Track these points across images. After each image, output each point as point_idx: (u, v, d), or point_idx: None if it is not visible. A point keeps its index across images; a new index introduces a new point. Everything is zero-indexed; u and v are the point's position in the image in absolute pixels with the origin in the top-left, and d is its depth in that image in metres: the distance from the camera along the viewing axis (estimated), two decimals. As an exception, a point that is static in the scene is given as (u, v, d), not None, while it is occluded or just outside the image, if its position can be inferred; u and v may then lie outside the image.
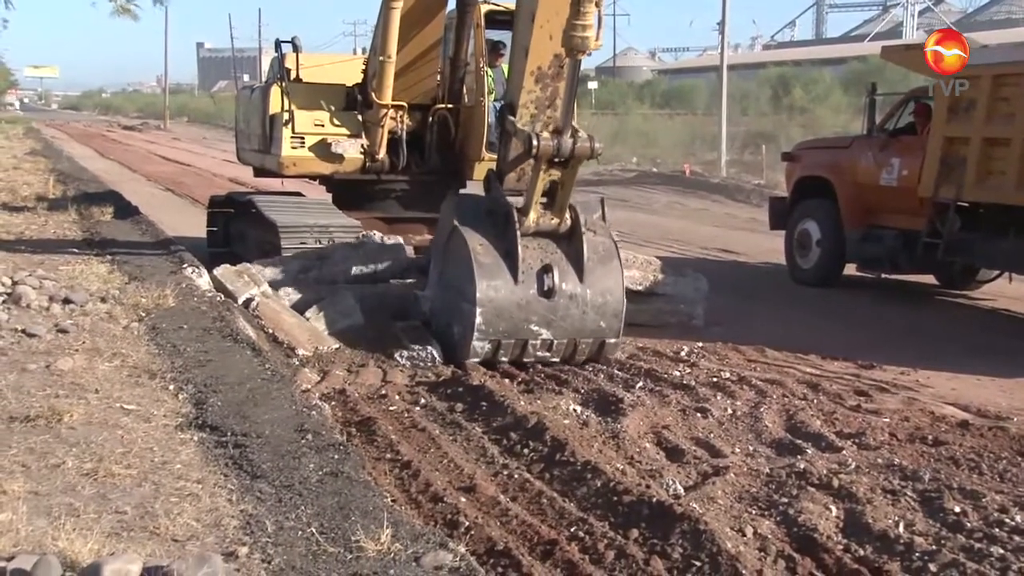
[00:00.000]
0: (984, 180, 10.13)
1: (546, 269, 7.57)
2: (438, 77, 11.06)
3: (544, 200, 7.64)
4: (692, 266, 11.01)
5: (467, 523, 4.63)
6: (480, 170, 10.08)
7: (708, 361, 8.14)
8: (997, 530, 4.73)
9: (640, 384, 7.16)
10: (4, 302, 7.70)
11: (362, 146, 10.93)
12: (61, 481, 4.43)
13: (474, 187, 10.20)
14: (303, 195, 11.93)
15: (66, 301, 7.80)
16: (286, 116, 10.80)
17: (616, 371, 7.56)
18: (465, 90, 11.04)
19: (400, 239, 10.18)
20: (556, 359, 7.75)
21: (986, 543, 4.58)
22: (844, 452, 5.86)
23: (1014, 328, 10.55)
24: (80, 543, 3.61)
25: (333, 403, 6.59)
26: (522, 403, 6.56)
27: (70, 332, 7.00)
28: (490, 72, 10.72)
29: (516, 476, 5.35)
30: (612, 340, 7.79)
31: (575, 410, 6.53)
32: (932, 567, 4.32)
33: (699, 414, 6.52)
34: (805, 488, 5.19)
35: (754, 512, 4.97)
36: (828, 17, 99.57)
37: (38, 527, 3.85)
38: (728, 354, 8.50)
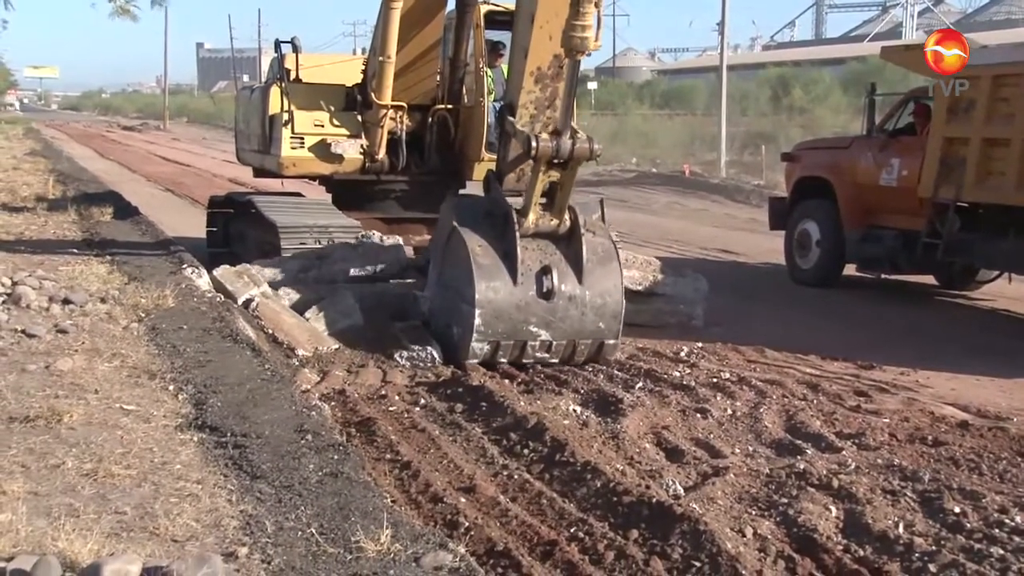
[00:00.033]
0: (984, 180, 10.13)
1: (545, 270, 7.57)
2: (438, 77, 11.06)
3: (543, 201, 7.64)
4: (692, 266, 11.02)
5: (467, 523, 4.63)
6: (480, 170, 10.08)
7: (708, 362, 8.14)
8: (997, 531, 4.73)
9: (640, 384, 7.16)
10: (4, 302, 7.70)
11: (362, 146, 10.92)
12: (61, 481, 4.43)
13: (474, 187, 10.21)
14: (303, 195, 11.93)
15: (66, 301, 7.80)
16: (286, 116, 10.79)
17: (616, 371, 7.56)
18: (465, 90, 11.04)
19: (399, 239, 10.18)
20: (555, 360, 7.75)
21: (986, 544, 4.58)
22: (844, 452, 5.86)
23: (1014, 328, 10.56)
24: (80, 543, 3.61)
25: (333, 403, 6.59)
26: (522, 403, 6.56)
27: (70, 332, 7.00)
28: (490, 72, 10.72)
29: (516, 476, 5.35)
30: (611, 341, 7.79)
31: (575, 410, 6.53)
32: (932, 567, 4.32)
33: (699, 414, 6.52)
34: (805, 488, 5.19)
35: (754, 512, 4.97)
36: (828, 17, 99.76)
37: (38, 527, 3.85)
38: (728, 354, 8.50)
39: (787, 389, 7.24)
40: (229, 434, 5.10)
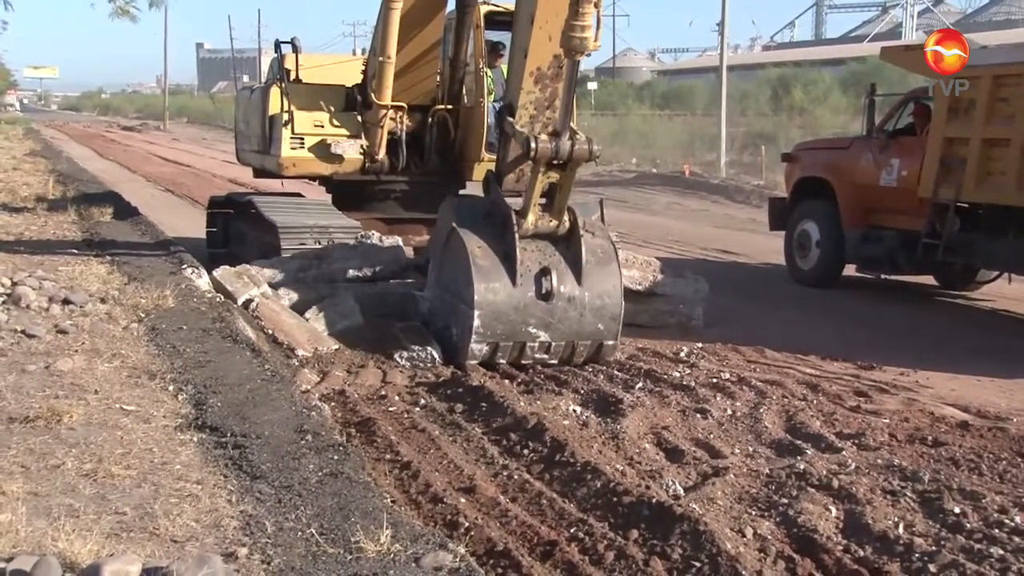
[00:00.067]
0: (983, 181, 10.13)
1: (544, 272, 7.57)
2: (438, 78, 11.06)
3: (543, 202, 7.64)
4: (692, 267, 11.02)
5: (467, 524, 4.63)
6: (479, 171, 10.08)
7: (708, 362, 8.14)
8: (997, 531, 4.73)
9: (640, 385, 7.16)
10: (4, 303, 7.70)
11: (361, 147, 10.92)
12: (61, 482, 4.42)
13: (473, 188, 10.21)
14: (303, 196, 11.93)
15: (65, 302, 7.79)
16: (286, 117, 10.79)
17: (616, 372, 7.56)
18: (464, 91, 11.04)
19: (399, 240, 10.18)
20: (554, 361, 7.75)
21: (986, 544, 4.58)
22: (844, 453, 5.86)
23: (1014, 329, 10.56)
24: (80, 544, 3.60)
25: (333, 404, 6.59)
26: (522, 404, 6.56)
27: (69, 333, 6.99)
28: (489, 73, 10.72)
29: (516, 477, 5.34)
30: (610, 342, 7.79)
31: (575, 411, 6.53)
32: (932, 568, 4.32)
33: (699, 415, 6.52)
34: (805, 489, 5.19)
35: (754, 513, 4.96)
36: (827, 18, 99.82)
37: (38, 528, 3.85)
38: (728, 355, 8.50)
39: (787, 389, 7.24)
40: (229, 434, 5.10)
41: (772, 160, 23.86)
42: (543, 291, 7.54)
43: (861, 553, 4.50)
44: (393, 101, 10.61)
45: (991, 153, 10.09)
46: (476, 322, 7.48)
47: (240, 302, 8.48)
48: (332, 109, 10.99)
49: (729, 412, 6.64)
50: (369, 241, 9.89)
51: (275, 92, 11.10)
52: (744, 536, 4.65)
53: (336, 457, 4.81)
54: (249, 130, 12.26)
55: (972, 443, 6.12)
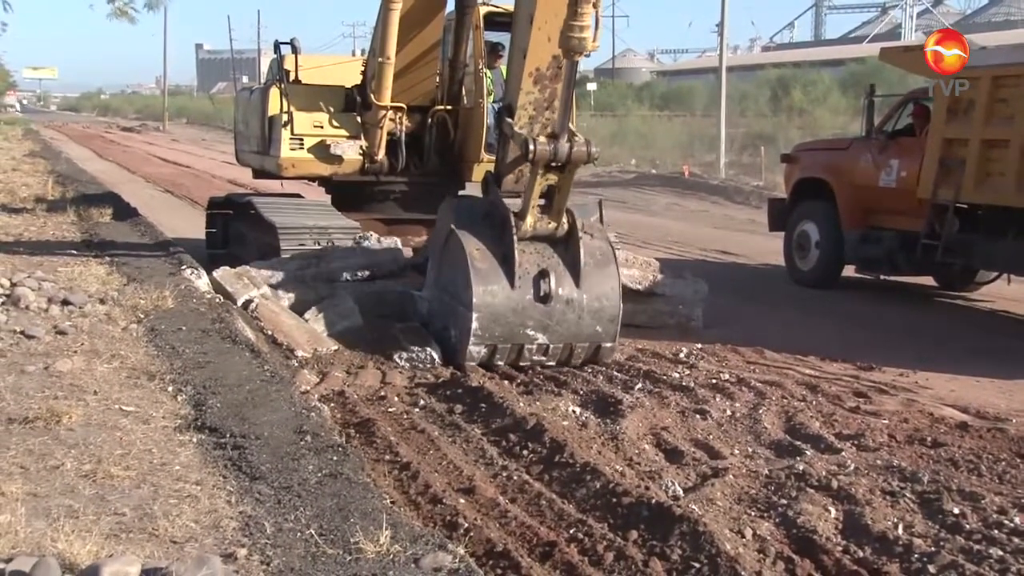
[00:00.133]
0: (983, 181, 10.13)
1: (543, 274, 7.57)
2: (437, 79, 11.06)
3: (541, 203, 7.64)
4: (691, 268, 11.02)
5: (466, 524, 4.63)
6: (479, 172, 10.08)
7: (707, 363, 8.14)
8: (996, 532, 4.73)
9: (639, 386, 7.16)
10: (3, 303, 7.70)
11: (361, 147, 10.93)
12: (60, 483, 4.42)
13: (473, 189, 10.21)
14: (302, 196, 11.94)
15: (65, 303, 7.79)
16: (285, 117, 10.79)
17: (615, 372, 7.56)
18: (464, 92, 11.04)
19: (397, 240, 10.18)
20: (552, 363, 7.76)
21: (985, 545, 4.58)
22: (843, 453, 5.86)
23: (1013, 329, 10.56)
24: (79, 545, 3.60)
25: (332, 404, 6.59)
26: (521, 404, 6.56)
27: (69, 334, 6.99)
28: (489, 74, 10.72)
29: (515, 477, 5.34)
30: (608, 344, 7.79)
31: (574, 411, 6.53)
32: (931, 568, 4.32)
33: (698, 415, 6.52)
34: (804, 489, 5.19)
35: (753, 513, 4.96)
36: (827, 19, 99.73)
37: (37, 529, 3.84)
38: (727, 356, 8.51)
39: (786, 390, 7.25)
40: (228, 435, 5.10)
41: (771, 161, 23.87)
42: (541, 293, 7.54)
43: (860, 554, 4.50)
44: (392, 102, 10.62)
45: (990, 154, 10.09)
46: (474, 324, 7.48)
47: (240, 303, 8.48)
48: (331, 110, 11.00)
49: (728, 413, 6.64)
50: (367, 242, 9.89)
51: (274, 93, 11.10)
52: (743, 537, 4.65)
53: (335, 458, 4.81)
54: (248, 131, 12.27)
55: (971, 444, 6.12)
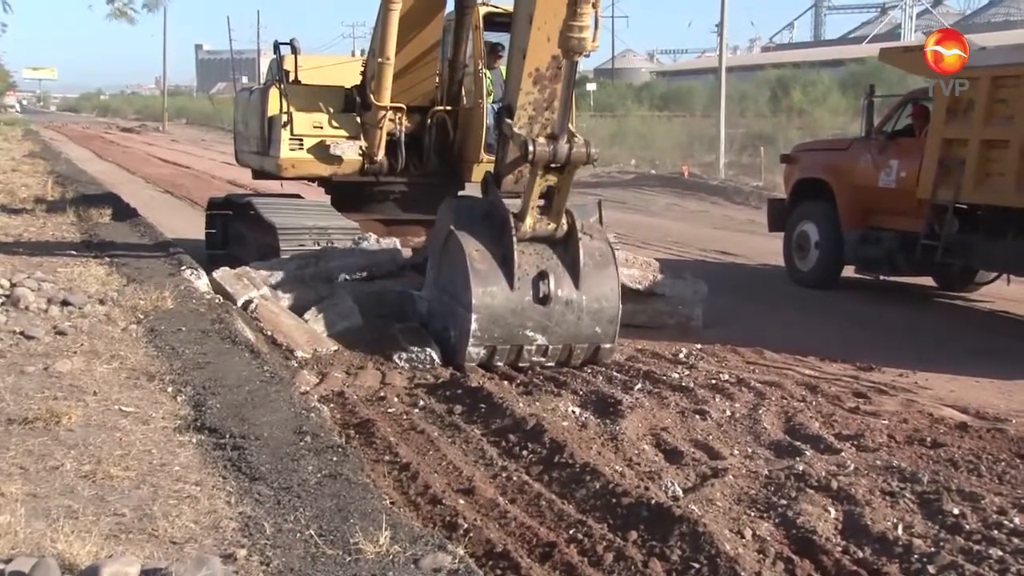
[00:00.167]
0: (982, 182, 10.13)
1: (542, 275, 7.57)
2: (437, 79, 11.06)
3: (541, 203, 7.64)
4: (691, 268, 11.03)
5: (466, 525, 4.63)
6: (478, 172, 10.09)
7: (707, 363, 8.14)
8: (996, 532, 4.73)
9: (639, 386, 7.15)
10: (3, 304, 7.69)
11: (360, 148, 10.93)
12: (59, 483, 4.42)
13: (472, 189, 10.21)
14: (302, 197, 11.94)
15: (64, 303, 7.79)
16: (285, 118, 10.80)
17: (615, 373, 7.56)
18: (464, 92, 11.05)
19: (396, 241, 10.19)
20: (551, 364, 7.76)
21: (985, 545, 4.58)
22: (843, 454, 5.86)
23: (1012, 330, 10.56)
24: (78, 545, 3.60)
25: (332, 405, 6.59)
26: (521, 405, 6.56)
27: (68, 334, 6.99)
28: (488, 74, 10.73)
29: (515, 478, 5.34)
30: (607, 345, 7.80)
31: (574, 412, 6.53)
32: (931, 569, 4.32)
33: (698, 416, 6.52)
34: (804, 490, 5.19)
35: (753, 514, 4.97)
36: (826, 19, 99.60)
37: (36, 529, 3.84)
38: (727, 356, 8.51)
39: (786, 390, 7.25)
40: (228, 436, 5.09)
41: (771, 161, 23.88)
42: (540, 295, 7.54)
43: (860, 554, 4.50)
44: (392, 102, 10.62)
45: (990, 154, 10.10)
46: (474, 326, 7.48)
47: (239, 303, 8.48)
48: (331, 110, 11.00)
49: (728, 413, 6.64)
50: (366, 243, 9.89)
51: (274, 93, 11.11)
52: (743, 537, 4.65)
53: (335, 458, 4.80)
54: (248, 131, 12.27)
55: (971, 444, 6.12)
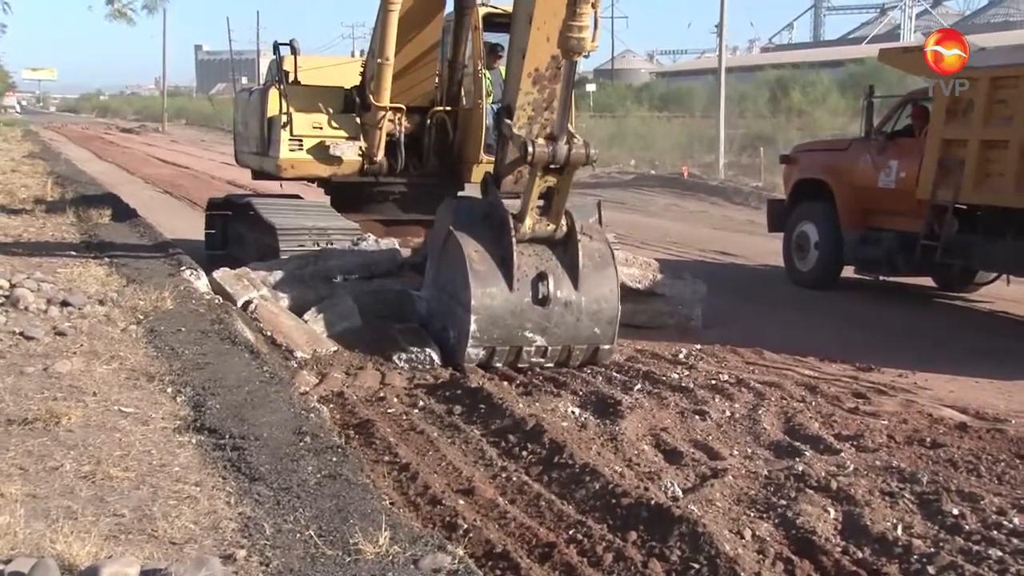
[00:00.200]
0: (982, 182, 10.13)
1: (541, 277, 7.57)
2: (436, 79, 11.07)
3: (540, 205, 7.64)
4: (690, 269, 11.02)
5: (466, 525, 4.63)
6: (478, 172, 10.10)
7: (706, 363, 8.14)
8: (995, 532, 4.73)
9: (638, 386, 7.16)
10: (2, 304, 7.69)
11: (360, 148, 10.93)
12: (59, 484, 4.42)
13: (472, 190, 10.21)
14: (301, 197, 11.94)
15: (64, 304, 7.79)
16: (284, 118, 10.80)
17: (614, 373, 7.56)
18: (463, 92, 11.05)
19: (395, 242, 10.19)
20: (550, 365, 7.76)
21: (984, 545, 4.58)
22: (842, 454, 5.86)
23: (1012, 330, 10.56)
24: (78, 546, 3.60)
25: (331, 405, 6.59)
26: (520, 405, 6.56)
27: (68, 335, 6.99)
28: (488, 74, 10.73)
29: (515, 478, 5.34)
30: (606, 346, 7.80)
31: (573, 412, 6.54)
32: (930, 569, 4.32)
33: (697, 416, 6.52)
34: (803, 490, 5.19)
35: (752, 514, 4.97)
36: (826, 19, 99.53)
37: (36, 530, 3.84)
38: (726, 356, 8.51)
39: (785, 391, 7.25)
40: (227, 436, 5.09)
41: (771, 162, 23.88)
42: (540, 296, 7.55)
43: (860, 555, 4.50)
44: (392, 103, 10.63)
45: (989, 155, 10.10)
46: (473, 327, 7.48)
47: (239, 304, 8.48)
48: (331, 111, 11.01)
49: (728, 414, 6.64)
50: (364, 244, 9.89)
51: (274, 94, 11.11)
52: (743, 538, 4.65)
53: (335, 459, 4.80)
54: (248, 132, 12.27)
55: (970, 444, 6.12)
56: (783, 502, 5.07)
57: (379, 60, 10.30)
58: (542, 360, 7.73)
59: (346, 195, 11.32)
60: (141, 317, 7.56)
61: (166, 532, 3.93)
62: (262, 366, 6.56)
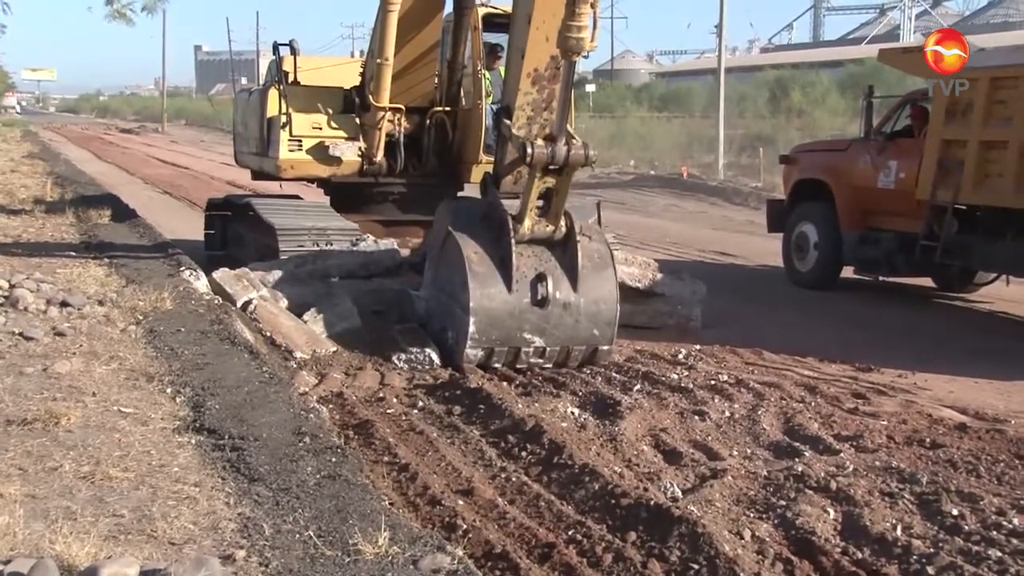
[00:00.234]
0: (981, 183, 10.13)
1: (540, 278, 7.57)
2: (435, 80, 11.07)
3: (539, 205, 7.64)
4: (689, 269, 11.02)
5: (465, 526, 4.63)
6: (477, 173, 10.09)
7: (706, 364, 8.14)
8: (995, 533, 4.73)
9: (638, 387, 7.15)
10: (1, 305, 7.69)
11: (359, 149, 10.93)
12: (58, 484, 4.42)
13: (471, 190, 10.21)
14: (301, 198, 11.94)
15: (63, 304, 7.79)
16: (284, 119, 10.80)
17: (614, 374, 7.56)
18: (462, 93, 11.05)
19: (394, 242, 10.19)
20: (549, 365, 7.76)
21: (984, 546, 4.58)
22: (842, 455, 5.86)
23: (1011, 330, 10.56)
24: (77, 546, 3.60)
25: (331, 406, 6.59)
26: (520, 406, 6.56)
27: (67, 335, 6.99)
28: (487, 75, 10.73)
29: (514, 479, 5.34)
30: (605, 347, 7.80)
31: (573, 413, 6.54)
32: (930, 570, 4.32)
33: (697, 417, 6.52)
34: (803, 491, 5.19)
35: (752, 515, 4.97)
36: (825, 20, 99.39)
37: (35, 530, 3.84)
38: (726, 357, 8.51)
39: (785, 391, 7.24)
40: (227, 436, 5.09)
41: (770, 162, 23.88)
42: (538, 297, 7.54)
43: (859, 555, 4.50)
44: (391, 103, 10.62)
45: (989, 155, 10.10)
46: (472, 328, 7.48)
47: (239, 304, 8.48)
48: (330, 111, 11.00)
49: (727, 414, 6.64)
50: (363, 244, 9.90)
51: (273, 94, 11.11)
52: (742, 538, 4.65)
53: (334, 459, 4.80)
54: (247, 132, 12.27)
55: (970, 445, 6.12)
56: (782, 502, 5.07)
57: (379, 60, 10.30)
58: (540, 361, 7.73)
59: (345, 195, 11.32)
60: (140, 317, 7.55)
61: (165, 532, 3.93)
62: (261, 366, 6.56)
